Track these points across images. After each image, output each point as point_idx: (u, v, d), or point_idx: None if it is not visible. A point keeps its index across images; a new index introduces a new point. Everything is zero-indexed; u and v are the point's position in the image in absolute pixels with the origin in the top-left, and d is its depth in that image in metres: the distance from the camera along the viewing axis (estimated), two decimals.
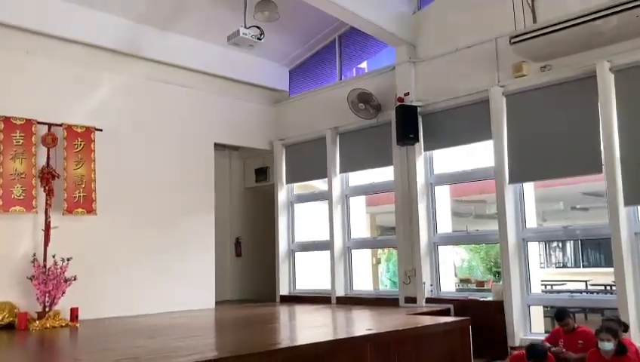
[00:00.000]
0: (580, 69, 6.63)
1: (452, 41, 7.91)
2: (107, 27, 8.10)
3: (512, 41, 6.74)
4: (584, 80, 6.63)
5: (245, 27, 7.42)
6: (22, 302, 7.05)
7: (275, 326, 7.29)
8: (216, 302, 9.24)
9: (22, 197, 7.20)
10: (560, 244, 16.25)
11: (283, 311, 8.68)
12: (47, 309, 7.04)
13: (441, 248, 8.21)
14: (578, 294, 9.09)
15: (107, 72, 8.31)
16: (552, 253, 16.52)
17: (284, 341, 6.06)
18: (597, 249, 15.39)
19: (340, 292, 9.17)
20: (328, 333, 6.30)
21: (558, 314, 6.10)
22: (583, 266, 15.47)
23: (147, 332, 6.48)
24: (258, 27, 7.52)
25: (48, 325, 6.90)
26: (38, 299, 7.02)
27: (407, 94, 8.22)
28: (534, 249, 7.72)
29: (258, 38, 7.48)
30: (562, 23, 6.27)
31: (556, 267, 16.10)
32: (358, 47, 9.54)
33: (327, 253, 9.33)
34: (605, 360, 5.20)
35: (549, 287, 11.39)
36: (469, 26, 7.73)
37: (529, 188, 7.51)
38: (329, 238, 9.29)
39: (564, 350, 5.84)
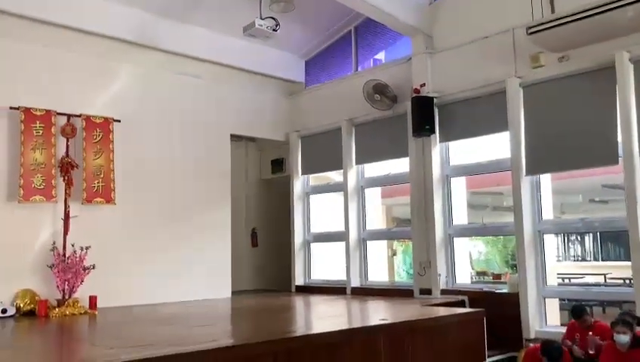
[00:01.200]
0: (598, 60, 6.53)
1: (469, 31, 7.84)
2: (125, 19, 8.17)
3: (530, 31, 6.65)
4: (602, 70, 6.52)
5: (261, 18, 7.43)
6: (42, 290, 7.19)
7: (290, 315, 7.36)
8: (232, 292, 9.31)
9: (42, 187, 7.32)
10: (579, 238, 16.07)
11: (298, 301, 8.75)
12: (66, 297, 7.16)
13: (456, 240, 8.18)
14: (594, 287, 9.00)
15: (125, 63, 8.40)
16: (570, 246, 16.36)
17: (300, 329, 6.13)
18: (617, 242, 15.20)
19: (355, 282, 9.20)
20: (343, 323, 6.35)
21: (576, 311, 6.01)
22: (602, 260, 15.29)
23: (164, 320, 6.58)
24: (274, 18, 7.52)
25: (68, 312, 7.02)
26: (57, 286, 7.15)
27: (423, 85, 8.18)
28: (552, 242, 7.65)
29: (274, 30, 7.49)
30: (580, 12, 6.17)
31: (574, 260, 15.93)
32: (374, 38, 9.48)
33: (343, 243, 9.36)
34: (621, 353, 5.16)
35: (566, 281, 11.29)
36: (486, 17, 7.66)
37: (546, 179, 7.43)
38: (344, 229, 9.31)
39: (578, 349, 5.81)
